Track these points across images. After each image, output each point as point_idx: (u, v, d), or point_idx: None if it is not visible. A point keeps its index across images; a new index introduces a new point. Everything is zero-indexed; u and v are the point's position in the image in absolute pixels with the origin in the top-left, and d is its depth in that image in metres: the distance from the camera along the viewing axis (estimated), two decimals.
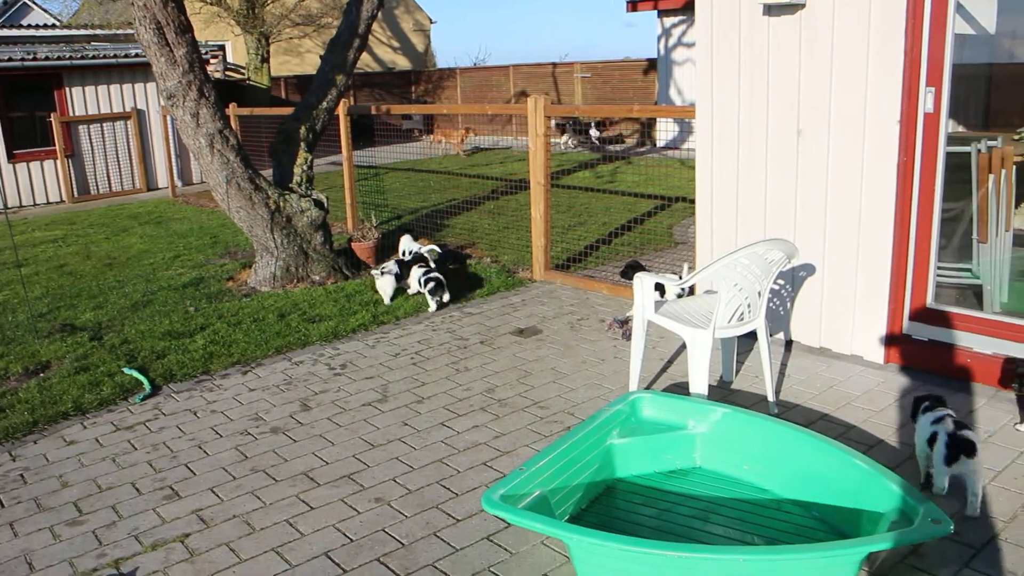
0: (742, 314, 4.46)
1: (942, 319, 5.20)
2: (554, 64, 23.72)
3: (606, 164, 16.08)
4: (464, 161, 18.14)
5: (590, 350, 5.86)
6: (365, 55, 32.64)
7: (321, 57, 8.73)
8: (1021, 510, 3.64)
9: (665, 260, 8.23)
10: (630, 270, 6.53)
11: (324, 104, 8.55)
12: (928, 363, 5.19)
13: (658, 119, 15.85)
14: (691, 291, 6.18)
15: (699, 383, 4.38)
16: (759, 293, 4.48)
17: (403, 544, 3.64)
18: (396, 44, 35.12)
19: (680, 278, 5.95)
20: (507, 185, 13.44)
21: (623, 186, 13.33)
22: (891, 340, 5.32)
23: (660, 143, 18.19)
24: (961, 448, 3.56)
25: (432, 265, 7.42)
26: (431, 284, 6.94)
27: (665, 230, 9.76)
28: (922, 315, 5.26)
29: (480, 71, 27.41)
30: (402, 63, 34.87)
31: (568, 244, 9.13)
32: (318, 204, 8.19)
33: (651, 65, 20.80)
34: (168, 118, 15.89)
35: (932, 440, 3.71)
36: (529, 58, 29.70)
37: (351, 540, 3.70)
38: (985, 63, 10.19)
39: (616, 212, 11.07)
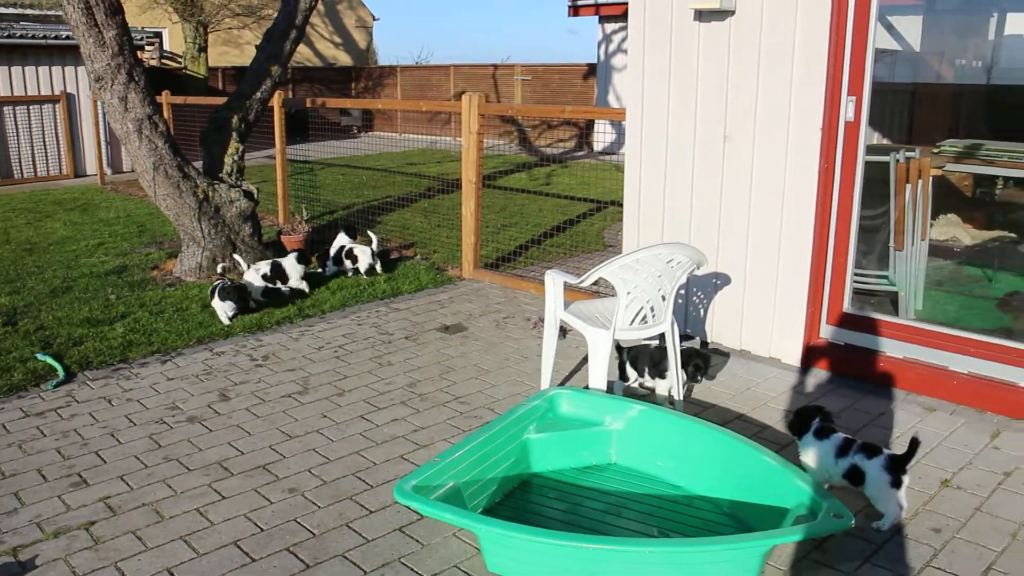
0: (645, 316, 4.49)
1: (858, 324, 5.32)
2: (495, 66, 23.75)
3: (542, 167, 16.14)
4: (401, 159, 18.05)
5: (514, 348, 5.88)
6: (306, 50, 32.35)
7: (257, 47, 8.62)
8: (922, 507, 3.74)
9: (593, 262, 8.27)
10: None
11: (258, 94, 8.44)
12: (844, 367, 5.30)
13: (596, 123, 15.98)
14: None
15: (598, 381, 4.42)
16: (663, 297, 4.50)
17: (314, 534, 3.61)
18: (338, 40, 34.83)
19: None
20: (442, 184, 13.41)
21: (558, 189, 13.40)
22: (809, 344, 5.43)
23: (597, 147, 18.35)
24: (902, 469, 3.51)
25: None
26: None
27: (596, 233, 9.83)
28: (839, 320, 5.38)
29: (421, 70, 27.34)
30: (343, 59, 34.59)
31: (499, 244, 9.14)
32: (248, 195, 8.08)
33: (591, 70, 20.95)
34: (99, 103, 15.53)
35: (853, 473, 3.59)
36: (471, 59, 29.73)
37: (262, 530, 3.65)
38: (911, 81, 10.49)
39: (549, 214, 11.12)
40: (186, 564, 3.40)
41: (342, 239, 8.17)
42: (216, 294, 6.41)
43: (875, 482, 3.54)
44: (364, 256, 7.70)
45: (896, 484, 3.50)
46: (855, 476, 3.58)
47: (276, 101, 10.10)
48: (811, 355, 5.43)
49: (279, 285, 7.14)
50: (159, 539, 3.58)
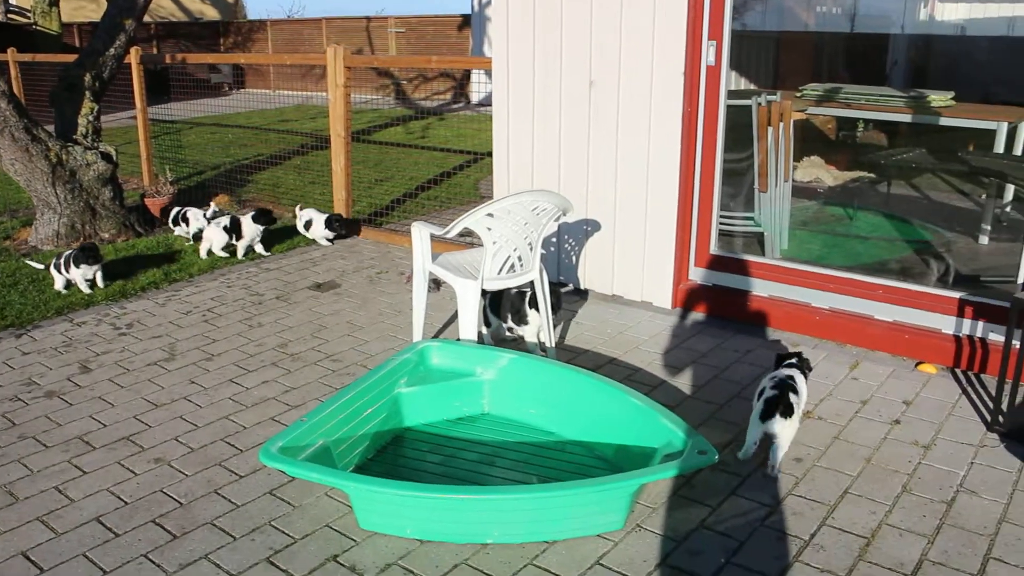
0: (512, 265, 4.48)
1: (726, 265, 5.45)
2: (368, 18, 23.27)
3: (419, 120, 15.96)
4: (274, 116, 17.56)
5: (387, 303, 5.81)
6: (169, 4, 30.98)
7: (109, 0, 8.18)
8: None
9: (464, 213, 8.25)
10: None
11: (112, 50, 8.02)
12: (714, 307, 5.43)
13: (472, 74, 15.85)
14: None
15: (468, 331, 4.40)
16: (530, 245, 4.50)
17: (181, 504, 3.50)
18: None
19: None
20: (316, 140, 13.12)
21: (434, 142, 13.28)
22: (679, 286, 5.53)
23: (474, 98, 18.23)
24: (776, 409, 3.53)
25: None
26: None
27: (472, 184, 9.79)
28: (707, 262, 5.49)
29: (292, 24, 26.58)
30: (210, 14, 33.26)
31: (374, 199, 9.01)
32: (106, 157, 7.71)
33: (466, 21, 20.74)
34: None
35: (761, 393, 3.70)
36: (345, 12, 29.11)
37: (125, 503, 3.51)
38: (777, 29, 10.75)
39: (424, 167, 11.01)
40: (43, 545, 3.25)
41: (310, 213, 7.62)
42: (71, 263, 6.08)
43: (754, 407, 3.69)
44: (196, 220, 7.48)
45: (763, 416, 3.57)
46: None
47: (133, 57, 9.64)
48: (682, 297, 5.54)
49: (235, 241, 7.02)
50: (12, 522, 3.41)
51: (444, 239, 4.80)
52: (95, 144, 7.79)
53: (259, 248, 7.13)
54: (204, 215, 7.46)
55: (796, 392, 3.64)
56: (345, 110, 7.22)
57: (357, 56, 7.50)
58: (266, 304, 5.85)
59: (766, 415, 3.55)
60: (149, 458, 3.87)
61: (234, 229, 6.97)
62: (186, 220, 7.52)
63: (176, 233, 7.74)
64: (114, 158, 7.77)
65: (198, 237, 7.40)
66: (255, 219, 6.95)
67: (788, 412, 3.52)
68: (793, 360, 3.86)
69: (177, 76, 18.12)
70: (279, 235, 7.57)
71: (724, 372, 4.61)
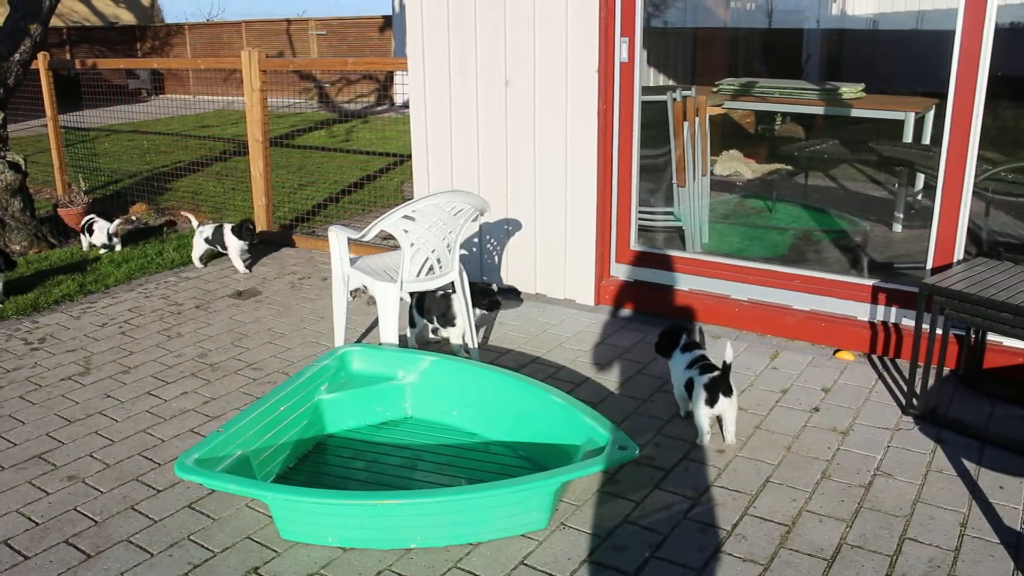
0: (431, 267, 4.46)
1: (646, 261, 5.49)
2: (288, 21, 22.97)
3: (343, 123, 15.81)
4: (194, 122, 17.23)
5: (309, 309, 5.73)
6: (82, 7, 30.17)
7: (9, 2, 7.91)
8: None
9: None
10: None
11: (17, 56, 7.77)
12: (636, 303, 5.47)
13: (396, 75, 15.73)
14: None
15: (389, 335, 4.37)
16: (448, 246, 4.48)
17: (96, 522, 3.40)
18: None
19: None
20: (237, 146, 12.87)
21: (358, 145, 13.17)
22: (600, 283, 5.56)
23: (398, 100, 18.13)
24: (719, 391, 3.68)
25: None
26: None
27: (396, 187, 9.73)
28: (628, 258, 5.53)
29: (211, 27, 26.08)
30: (126, 18, 32.50)
31: (296, 204, 8.89)
32: (14, 167, 7.47)
33: (387, 22, 20.61)
34: None
35: (689, 386, 3.82)
36: (266, 14, 28.75)
37: (36, 524, 3.40)
38: (693, 25, 10.89)
39: (348, 171, 10.91)
40: None
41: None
42: None
43: (696, 398, 3.76)
44: (100, 232, 7.28)
45: (710, 403, 3.70)
46: (690, 389, 3.81)
47: (41, 63, 9.36)
48: (604, 294, 5.57)
49: (219, 249, 6.81)
50: None
51: (362, 242, 4.74)
52: (2, 153, 7.54)
53: (237, 263, 6.76)
54: (109, 228, 7.24)
55: (718, 369, 3.74)
56: (262, 114, 7.11)
57: (272, 59, 7.39)
58: (185, 314, 5.72)
59: (712, 401, 3.69)
60: (62, 476, 3.75)
61: (216, 239, 6.74)
62: (91, 231, 7.31)
63: (83, 244, 7.48)
64: (23, 167, 7.54)
65: (108, 247, 7.24)
66: (233, 231, 6.66)
67: (729, 390, 3.68)
68: (683, 336, 4.00)
69: (91, 82, 17.65)
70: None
71: (647, 367, 4.64)
